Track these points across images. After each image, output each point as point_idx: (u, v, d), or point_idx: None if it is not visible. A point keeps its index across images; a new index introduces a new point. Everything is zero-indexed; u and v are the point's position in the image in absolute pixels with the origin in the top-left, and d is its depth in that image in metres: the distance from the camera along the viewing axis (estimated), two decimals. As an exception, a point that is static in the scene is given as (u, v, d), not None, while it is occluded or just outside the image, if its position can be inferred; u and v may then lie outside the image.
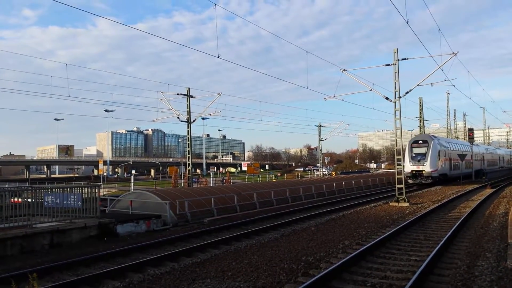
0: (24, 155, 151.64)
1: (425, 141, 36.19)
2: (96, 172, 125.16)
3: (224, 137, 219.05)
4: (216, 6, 16.42)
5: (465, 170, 42.55)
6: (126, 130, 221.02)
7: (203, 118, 52.10)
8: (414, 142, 36.85)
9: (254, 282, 8.04)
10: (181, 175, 57.59)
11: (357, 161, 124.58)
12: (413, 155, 35.96)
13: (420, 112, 52.19)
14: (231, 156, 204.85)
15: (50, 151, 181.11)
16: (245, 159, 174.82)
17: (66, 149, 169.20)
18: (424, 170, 34.83)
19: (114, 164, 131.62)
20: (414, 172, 35.49)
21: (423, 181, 35.09)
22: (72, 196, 13.63)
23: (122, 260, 10.41)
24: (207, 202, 18.78)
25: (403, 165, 29.85)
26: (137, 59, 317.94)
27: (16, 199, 14.42)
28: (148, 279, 8.48)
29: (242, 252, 10.82)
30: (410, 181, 35.53)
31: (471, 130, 47.66)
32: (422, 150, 35.70)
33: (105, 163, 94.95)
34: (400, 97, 22.86)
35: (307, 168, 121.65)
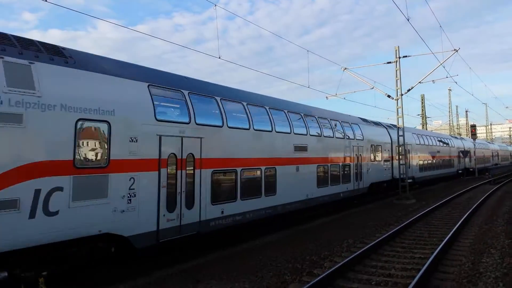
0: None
1: None
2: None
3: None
4: (216, 7, 16.43)
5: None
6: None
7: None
8: None
9: (259, 282, 8.07)
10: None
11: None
12: None
13: (422, 109, 52.19)
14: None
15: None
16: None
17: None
18: None
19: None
20: None
21: None
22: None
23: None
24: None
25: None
26: (138, 61, 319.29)
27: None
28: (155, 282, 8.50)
29: (247, 252, 10.84)
30: None
31: (473, 127, 47.47)
32: None
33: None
34: (402, 95, 22.86)
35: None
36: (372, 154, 21.49)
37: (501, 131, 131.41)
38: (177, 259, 10.12)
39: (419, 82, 23.97)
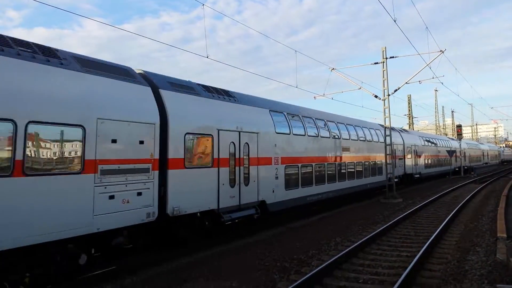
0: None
1: None
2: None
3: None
4: (204, 6, 16.34)
5: None
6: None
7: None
8: None
9: (247, 282, 8.04)
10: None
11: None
12: None
13: (409, 110, 52.75)
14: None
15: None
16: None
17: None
18: None
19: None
20: None
21: None
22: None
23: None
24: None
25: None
26: (125, 60, 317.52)
27: None
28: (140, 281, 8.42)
29: (235, 251, 10.81)
30: None
31: (459, 127, 48.06)
32: None
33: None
34: (389, 95, 23.04)
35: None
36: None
37: (487, 131, 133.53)
38: (164, 258, 10.05)
39: (406, 83, 24.21)
